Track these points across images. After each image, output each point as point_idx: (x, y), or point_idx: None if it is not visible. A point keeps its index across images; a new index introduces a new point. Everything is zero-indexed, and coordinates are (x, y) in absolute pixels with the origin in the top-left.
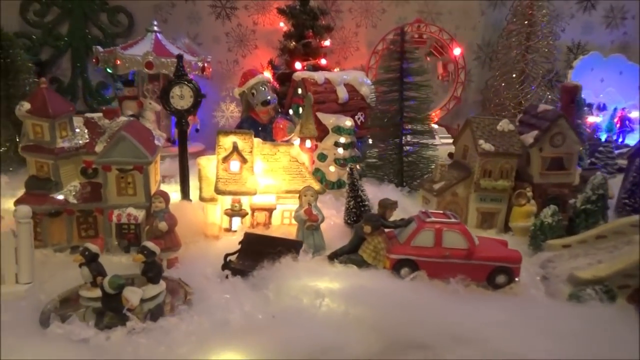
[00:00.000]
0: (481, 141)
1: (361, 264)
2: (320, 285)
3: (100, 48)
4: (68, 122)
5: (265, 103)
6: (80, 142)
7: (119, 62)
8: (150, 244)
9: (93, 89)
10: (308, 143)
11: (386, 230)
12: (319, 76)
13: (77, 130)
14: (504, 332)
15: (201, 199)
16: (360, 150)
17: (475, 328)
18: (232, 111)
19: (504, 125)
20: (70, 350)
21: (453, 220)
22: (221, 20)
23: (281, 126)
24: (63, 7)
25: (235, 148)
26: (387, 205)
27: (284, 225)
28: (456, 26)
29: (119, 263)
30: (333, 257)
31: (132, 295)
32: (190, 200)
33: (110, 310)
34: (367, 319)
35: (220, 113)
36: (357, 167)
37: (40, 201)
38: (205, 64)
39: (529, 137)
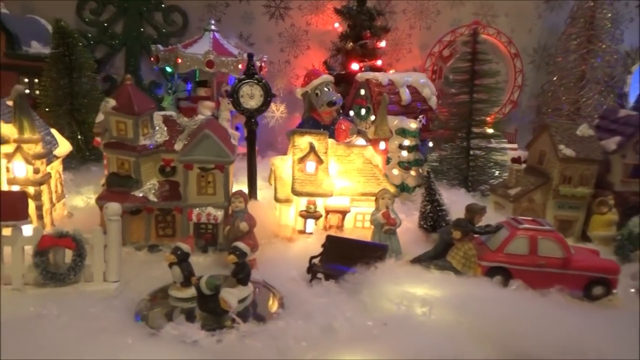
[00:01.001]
0: (562, 146)
1: (456, 270)
2: (419, 292)
3: (160, 47)
4: (149, 120)
5: (332, 104)
6: (160, 139)
7: (179, 60)
8: (242, 245)
9: (145, 88)
10: (382, 145)
11: None
12: (383, 77)
13: (157, 128)
14: (622, 348)
15: (276, 199)
16: (422, 153)
17: (592, 342)
18: (282, 112)
19: (584, 130)
20: (186, 353)
21: (547, 227)
22: (274, 20)
23: (343, 127)
24: (119, 6)
25: (312, 148)
26: (476, 210)
27: (356, 228)
28: (512, 29)
29: (197, 263)
30: (417, 262)
31: (230, 297)
32: (257, 200)
33: (207, 312)
34: (480, 329)
35: (271, 113)
36: (420, 170)
37: (122, 199)
38: (262, 64)
39: (611, 143)
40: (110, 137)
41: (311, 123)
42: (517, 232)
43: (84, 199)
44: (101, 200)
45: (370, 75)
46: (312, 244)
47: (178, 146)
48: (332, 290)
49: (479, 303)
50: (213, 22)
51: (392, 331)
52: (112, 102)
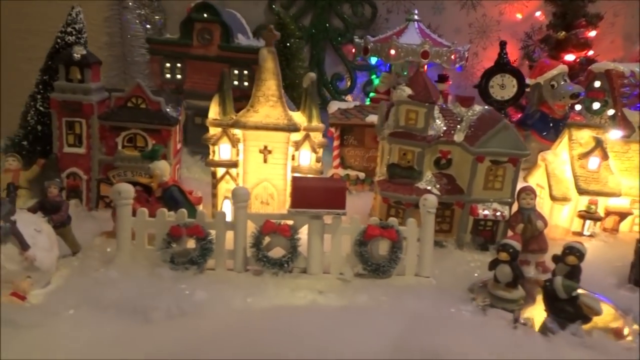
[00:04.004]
0: None
1: None
2: None
3: (370, 37)
4: (433, 110)
5: (575, 96)
6: (437, 129)
7: (393, 51)
8: (578, 245)
9: (328, 81)
10: None
11: None
12: (626, 68)
13: (438, 118)
14: None
15: (552, 198)
16: None
17: None
18: None
19: None
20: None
21: None
22: (466, 10)
23: None
24: None
25: (599, 143)
26: None
27: (633, 232)
28: None
29: (472, 260)
30: None
31: (595, 303)
32: None
33: (564, 318)
34: None
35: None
36: None
37: (407, 191)
38: (466, 54)
39: None
40: (396, 126)
41: (538, 116)
42: None
43: None
44: (386, 191)
45: (611, 65)
46: (600, 248)
47: (458, 137)
48: None
49: None
50: (416, 11)
51: None
52: (407, 91)
